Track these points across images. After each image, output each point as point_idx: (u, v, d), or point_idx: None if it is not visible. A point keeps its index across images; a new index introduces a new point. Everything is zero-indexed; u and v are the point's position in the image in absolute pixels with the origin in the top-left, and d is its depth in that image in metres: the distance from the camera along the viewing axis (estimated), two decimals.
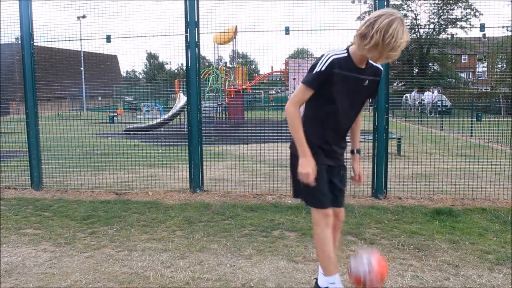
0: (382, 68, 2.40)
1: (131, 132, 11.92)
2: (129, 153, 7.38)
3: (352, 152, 2.62)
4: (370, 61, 2.31)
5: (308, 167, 2.23)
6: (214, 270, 3.17)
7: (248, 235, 3.91)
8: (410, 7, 35.06)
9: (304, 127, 2.31)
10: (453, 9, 35.17)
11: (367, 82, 2.32)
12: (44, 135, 6.21)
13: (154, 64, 57.69)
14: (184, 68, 5.63)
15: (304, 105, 2.35)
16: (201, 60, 6.11)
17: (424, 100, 15.09)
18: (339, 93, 2.26)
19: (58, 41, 5.87)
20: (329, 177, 2.42)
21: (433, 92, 15.58)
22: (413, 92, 15.37)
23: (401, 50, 2.08)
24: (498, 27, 5.16)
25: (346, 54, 2.23)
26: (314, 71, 2.21)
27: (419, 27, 35.77)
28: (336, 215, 2.52)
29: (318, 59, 2.23)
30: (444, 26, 36.26)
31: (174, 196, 5.44)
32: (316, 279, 2.73)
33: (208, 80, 14.94)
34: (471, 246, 3.59)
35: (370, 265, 2.32)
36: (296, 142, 2.26)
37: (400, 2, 33.98)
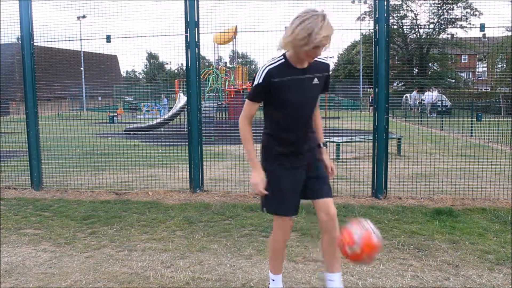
0: (328, 63, 2.41)
1: (131, 132, 11.93)
2: (129, 153, 7.38)
3: (318, 146, 2.58)
4: (315, 59, 2.30)
5: (256, 178, 2.31)
6: (214, 270, 3.17)
7: (248, 235, 3.91)
8: (410, 7, 35.06)
9: (264, 135, 2.43)
10: (453, 9, 35.18)
11: (316, 80, 2.34)
12: (44, 135, 6.21)
13: (154, 64, 57.67)
14: (184, 68, 5.63)
15: (263, 113, 2.44)
16: (201, 60, 6.11)
17: (424, 100, 15.10)
18: (286, 98, 2.30)
19: (58, 41, 5.87)
20: (299, 176, 2.41)
21: (432, 92, 15.57)
22: (413, 92, 15.37)
23: (323, 46, 2.10)
24: (498, 27, 5.16)
25: (282, 60, 2.27)
26: (253, 85, 2.29)
27: (419, 27, 35.78)
28: (320, 207, 2.42)
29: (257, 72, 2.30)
30: (444, 26, 36.27)
31: (174, 196, 5.44)
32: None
33: (208, 80, 14.92)
34: (471, 246, 3.59)
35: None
36: (246, 155, 2.35)
37: (400, 2, 33.98)
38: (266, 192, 2.32)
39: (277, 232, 2.49)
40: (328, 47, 2.15)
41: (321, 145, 2.58)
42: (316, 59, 2.30)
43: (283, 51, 2.29)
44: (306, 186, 2.45)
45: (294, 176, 2.39)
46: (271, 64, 2.26)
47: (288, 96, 2.29)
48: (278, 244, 2.52)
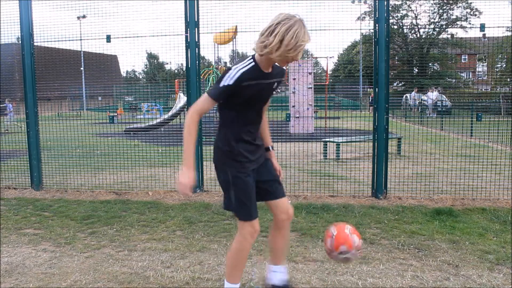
0: (284, 68, 2.46)
1: (131, 132, 11.92)
2: (129, 153, 7.37)
3: (267, 149, 2.63)
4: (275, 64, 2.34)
5: (185, 178, 2.20)
6: (214, 270, 3.17)
7: None
8: (410, 7, 35.08)
9: (224, 135, 2.37)
10: (453, 9, 35.21)
11: (275, 84, 2.41)
12: (44, 135, 6.20)
13: (154, 64, 57.65)
14: (184, 68, 5.63)
15: (220, 113, 2.40)
16: (201, 60, 6.11)
17: (425, 101, 15.11)
18: (252, 101, 2.33)
19: (58, 41, 5.87)
20: (257, 178, 2.44)
21: (432, 92, 15.58)
22: (413, 92, 15.38)
23: (301, 52, 2.13)
24: (498, 27, 5.16)
25: (253, 63, 2.24)
26: (221, 85, 2.19)
27: (419, 27, 35.81)
28: (280, 208, 2.51)
29: (225, 72, 2.22)
30: (444, 26, 36.29)
31: (174, 196, 5.44)
32: None
33: (208, 80, 14.92)
34: (471, 246, 3.59)
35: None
36: (183, 150, 2.24)
37: (400, 2, 34.00)
38: (191, 194, 2.25)
39: (247, 239, 2.38)
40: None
41: (270, 148, 2.65)
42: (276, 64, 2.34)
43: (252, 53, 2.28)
44: (261, 188, 2.46)
45: (253, 179, 2.41)
46: (244, 67, 2.22)
47: (253, 99, 2.32)
48: (244, 252, 2.41)
